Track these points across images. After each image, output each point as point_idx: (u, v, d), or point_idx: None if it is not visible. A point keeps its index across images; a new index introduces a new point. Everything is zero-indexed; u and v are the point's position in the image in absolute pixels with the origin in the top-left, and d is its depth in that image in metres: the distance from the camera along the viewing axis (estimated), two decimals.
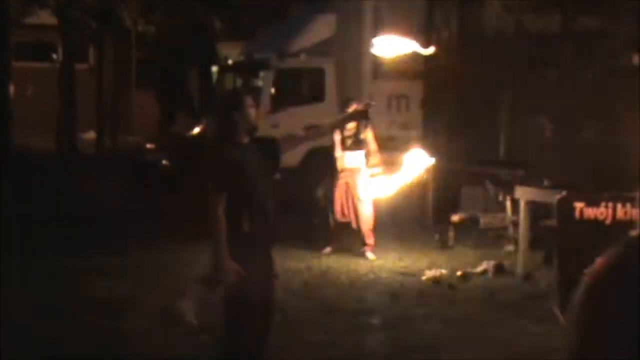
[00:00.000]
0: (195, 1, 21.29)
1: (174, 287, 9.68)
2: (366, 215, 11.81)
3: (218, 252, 5.62)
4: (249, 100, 6.04)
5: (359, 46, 16.32)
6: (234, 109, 5.93)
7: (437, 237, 12.39)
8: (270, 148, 6.09)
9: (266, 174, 6.10)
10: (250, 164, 5.81)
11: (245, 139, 5.93)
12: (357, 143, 11.81)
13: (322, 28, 16.79)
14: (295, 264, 10.79)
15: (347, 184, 11.83)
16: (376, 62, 16.30)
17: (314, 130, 12.45)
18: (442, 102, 15.11)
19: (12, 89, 23.40)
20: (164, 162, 16.98)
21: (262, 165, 5.96)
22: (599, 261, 1.97)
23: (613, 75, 11.71)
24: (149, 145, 18.00)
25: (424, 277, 10.46)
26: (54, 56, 28.25)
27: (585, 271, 1.95)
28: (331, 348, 7.78)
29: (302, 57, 16.20)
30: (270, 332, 5.98)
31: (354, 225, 11.89)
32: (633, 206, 8.50)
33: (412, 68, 16.17)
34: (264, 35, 18.74)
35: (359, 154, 11.84)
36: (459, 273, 10.49)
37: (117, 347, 7.83)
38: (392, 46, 9.31)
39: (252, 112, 5.98)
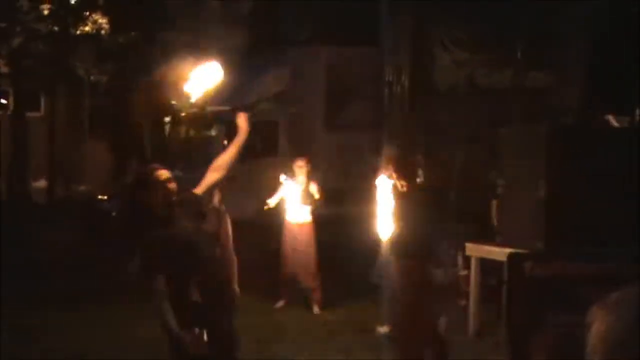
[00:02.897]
0: (148, 51, 21.24)
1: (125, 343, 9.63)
2: (311, 269, 11.79)
3: (171, 332, 5.31)
4: (160, 177, 5.52)
5: (312, 98, 16.41)
6: (141, 189, 5.51)
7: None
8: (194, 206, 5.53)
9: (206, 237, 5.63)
10: (181, 236, 5.44)
11: (165, 212, 5.42)
12: (307, 197, 11.80)
13: (275, 81, 16.83)
14: (246, 319, 10.67)
15: (294, 238, 11.81)
16: (328, 114, 16.39)
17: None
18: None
19: None
20: (114, 213, 16.85)
21: (199, 229, 5.53)
22: None
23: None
24: (100, 196, 17.86)
25: (376, 333, 10.44)
26: (3, 101, 27.89)
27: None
28: None
29: (255, 109, 16.17)
30: None
31: (300, 279, 11.86)
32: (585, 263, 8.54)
33: (364, 119, 16.28)
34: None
35: (308, 209, 11.84)
36: None
37: None
38: None
39: (168, 188, 5.47)
